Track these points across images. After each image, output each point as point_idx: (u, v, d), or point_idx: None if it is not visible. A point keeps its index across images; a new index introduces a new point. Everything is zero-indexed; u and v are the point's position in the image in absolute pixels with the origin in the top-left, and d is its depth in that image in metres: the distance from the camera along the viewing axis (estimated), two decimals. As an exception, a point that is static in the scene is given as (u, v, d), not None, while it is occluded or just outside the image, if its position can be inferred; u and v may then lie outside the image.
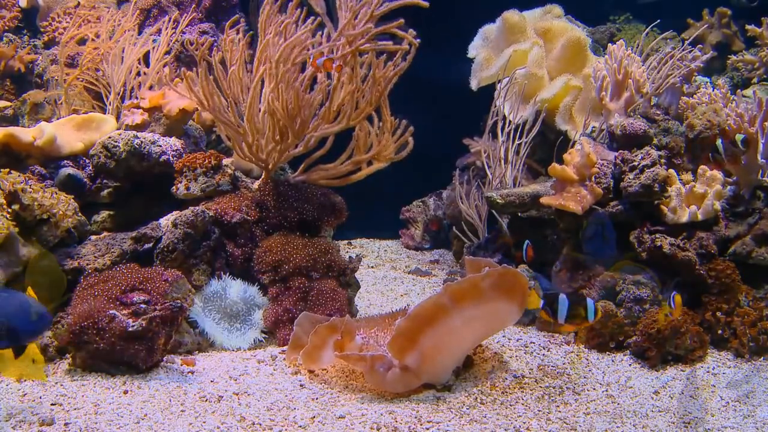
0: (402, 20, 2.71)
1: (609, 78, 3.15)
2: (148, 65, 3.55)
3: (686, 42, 3.46)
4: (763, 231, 2.76)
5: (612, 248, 2.60)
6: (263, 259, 2.81)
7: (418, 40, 2.77)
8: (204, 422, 2.00)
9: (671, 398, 2.29)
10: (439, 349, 2.23)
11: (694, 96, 3.22)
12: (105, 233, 2.92)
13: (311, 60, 2.69)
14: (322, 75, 2.94)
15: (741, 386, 2.40)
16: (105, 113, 3.39)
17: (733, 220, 2.85)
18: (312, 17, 2.87)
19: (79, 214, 2.77)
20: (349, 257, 2.98)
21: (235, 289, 2.76)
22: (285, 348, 2.58)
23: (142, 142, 2.99)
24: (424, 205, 4.79)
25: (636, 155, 2.84)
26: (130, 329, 2.29)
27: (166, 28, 3.60)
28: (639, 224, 2.83)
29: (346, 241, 4.82)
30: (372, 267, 4.28)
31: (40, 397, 2.13)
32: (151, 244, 2.72)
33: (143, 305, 2.35)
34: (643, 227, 2.81)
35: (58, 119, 3.27)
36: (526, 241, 3.11)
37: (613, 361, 2.62)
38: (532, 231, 3.26)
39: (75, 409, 2.05)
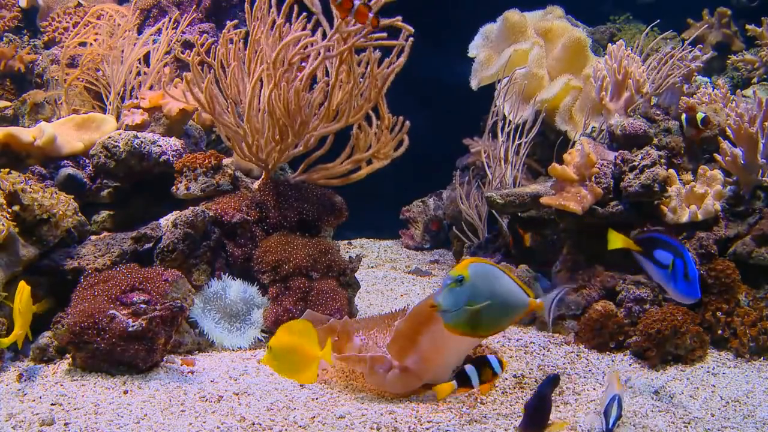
0: (399, 17, 2.72)
1: (609, 78, 3.15)
2: (148, 65, 3.55)
3: (686, 42, 3.45)
4: (763, 231, 2.76)
5: (696, 290, 2.11)
6: (263, 259, 2.81)
7: (411, 39, 2.77)
8: (204, 422, 2.00)
9: (671, 398, 2.29)
10: (439, 349, 2.23)
11: (694, 96, 3.22)
12: (105, 233, 2.92)
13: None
14: (321, 73, 2.95)
15: (741, 386, 2.40)
16: (105, 113, 3.39)
17: (733, 220, 2.85)
18: (305, 14, 2.87)
19: (79, 214, 2.78)
20: (349, 257, 2.98)
21: (234, 289, 2.76)
22: (285, 348, 2.58)
23: (142, 142, 2.99)
24: (424, 205, 4.79)
25: (636, 155, 2.84)
26: (130, 329, 2.29)
27: (167, 29, 3.61)
28: (639, 224, 2.83)
29: (346, 241, 4.82)
30: (372, 267, 4.28)
31: (40, 397, 2.13)
32: (151, 244, 2.72)
33: (143, 305, 2.36)
34: (643, 227, 2.81)
35: (58, 119, 3.28)
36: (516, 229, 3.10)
37: (613, 361, 2.62)
38: (532, 231, 3.26)
39: (75, 409, 2.06)
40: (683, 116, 2.99)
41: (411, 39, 2.77)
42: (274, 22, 2.84)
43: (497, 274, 1.91)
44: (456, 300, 1.79)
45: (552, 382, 1.97)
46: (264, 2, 2.87)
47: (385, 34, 2.78)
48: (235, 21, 2.98)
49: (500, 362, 1.95)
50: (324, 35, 2.87)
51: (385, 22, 2.71)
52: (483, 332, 2.00)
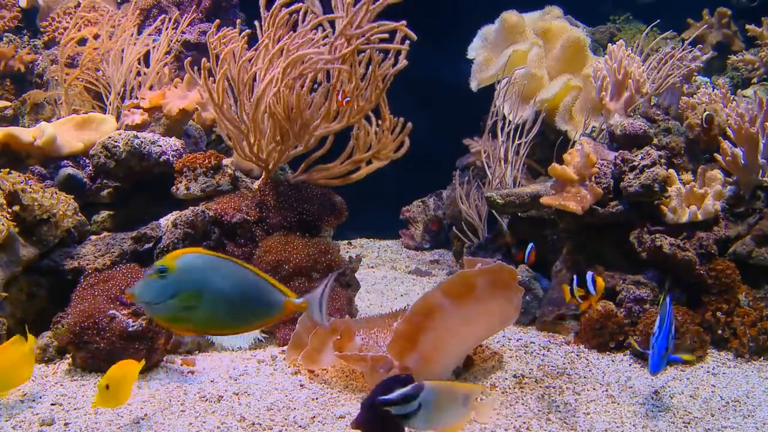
0: (404, 21, 2.72)
1: (609, 78, 3.15)
2: (148, 65, 3.55)
3: (686, 42, 3.45)
4: (763, 231, 2.76)
5: (652, 365, 2.12)
6: (263, 259, 2.81)
7: (409, 41, 2.77)
8: (204, 422, 2.00)
9: (671, 398, 2.29)
10: (439, 349, 2.23)
11: (694, 96, 3.22)
12: (105, 233, 2.92)
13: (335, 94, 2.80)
14: (323, 76, 2.94)
15: (741, 386, 2.40)
16: (105, 113, 3.39)
17: (733, 220, 2.85)
18: (310, 14, 2.87)
19: (79, 214, 2.78)
20: (349, 257, 2.98)
21: (235, 289, 2.76)
22: (285, 348, 2.58)
23: (142, 142, 2.99)
24: (424, 205, 4.79)
25: (636, 155, 2.84)
26: (131, 329, 2.30)
27: (167, 28, 3.60)
28: (639, 224, 2.83)
29: (346, 241, 4.82)
30: (372, 267, 4.28)
31: (40, 397, 2.13)
32: (151, 244, 2.72)
33: (143, 305, 2.35)
34: (643, 227, 2.81)
35: (58, 119, 3.28)
36: (531, 244, 3.08)
37: (613, 361, 2.62)
38: (532, 231, 3.26)
39: (75, 409, 2.06)
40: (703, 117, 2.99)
41: (408, 41, 2.77)
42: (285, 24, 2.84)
43: (226, 269, 1.63)
44: (158, 292, 1.56)
45: (392, 382, 1.67)
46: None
47: (387, 36, 2.79)
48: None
49: (595, 281, 2.15)
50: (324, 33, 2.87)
51: (389, 26, 2.72)
52: (214, 330, 1.75)
